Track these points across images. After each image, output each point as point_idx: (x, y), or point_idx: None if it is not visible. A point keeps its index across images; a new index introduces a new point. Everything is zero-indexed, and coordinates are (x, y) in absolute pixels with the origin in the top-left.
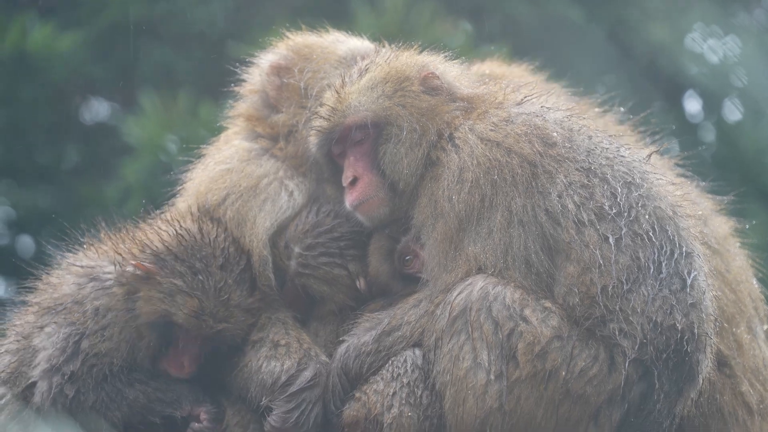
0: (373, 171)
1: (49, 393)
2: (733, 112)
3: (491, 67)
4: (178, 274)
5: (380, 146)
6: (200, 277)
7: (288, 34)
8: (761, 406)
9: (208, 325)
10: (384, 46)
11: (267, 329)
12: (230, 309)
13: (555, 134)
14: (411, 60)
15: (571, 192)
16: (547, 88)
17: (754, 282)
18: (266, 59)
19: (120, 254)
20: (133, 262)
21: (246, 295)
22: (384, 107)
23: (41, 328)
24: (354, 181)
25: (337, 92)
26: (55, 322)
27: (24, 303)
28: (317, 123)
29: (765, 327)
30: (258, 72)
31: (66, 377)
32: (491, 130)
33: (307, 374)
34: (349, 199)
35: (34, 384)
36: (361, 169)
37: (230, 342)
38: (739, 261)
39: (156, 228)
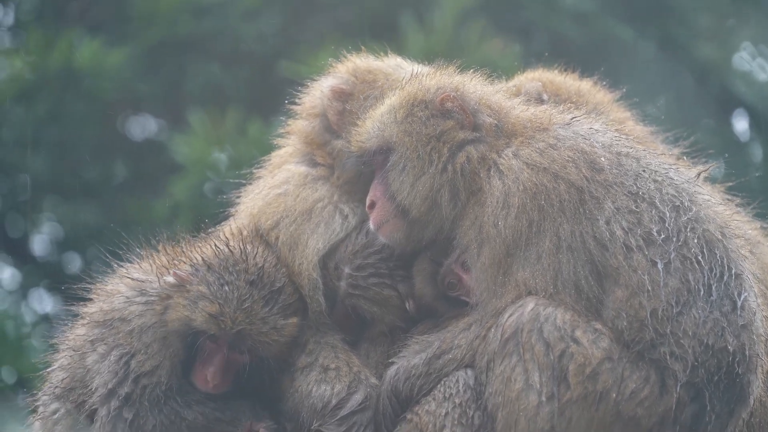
0: (387, 196)
1: (108, 417)
2: None
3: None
4: (206, 283)
5: (389, 173)
6: (226, 288)
7: (348, 56)
8: None
9: (226, 325)
10: (429, 68)
11: (316, 353)
12: (251, 317)
13: (602, 159)
14: (433, 83)
15: (619, 218)
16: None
17: None
18: (327, 82)
19: (167, 269)
20: (172, 271)
21: (277, 314)
22: (390, 134)
23: (93, 344)
24: (373, 205)
25: (367, 116)
26: (105, 343)
27: (76, 316)
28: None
29: None
30: (319, 95)
31: (121, 399)
32: (537, 155)
33: (358, 397)
34: (371, 222)
35: (94, 411)
36: (379, 193)
37: (252, 352)
38: None
39: (200, 243)
